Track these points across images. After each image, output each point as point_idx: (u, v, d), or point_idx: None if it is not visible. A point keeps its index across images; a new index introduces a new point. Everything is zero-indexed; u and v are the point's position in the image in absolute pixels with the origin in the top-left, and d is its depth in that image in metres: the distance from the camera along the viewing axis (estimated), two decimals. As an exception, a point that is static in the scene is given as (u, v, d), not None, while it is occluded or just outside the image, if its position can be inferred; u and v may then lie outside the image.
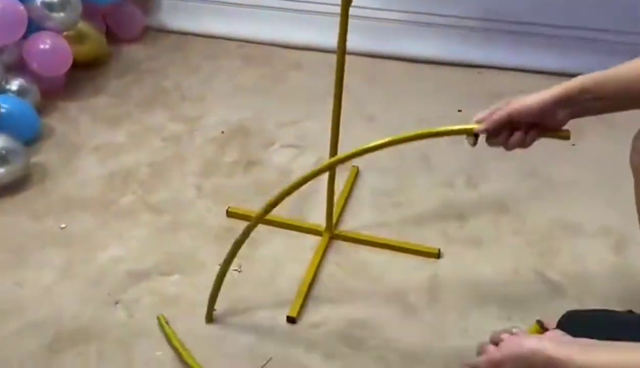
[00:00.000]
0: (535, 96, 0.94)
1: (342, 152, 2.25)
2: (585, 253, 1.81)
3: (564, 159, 2.19)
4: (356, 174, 2.14)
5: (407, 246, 1.83)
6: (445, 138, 2.37)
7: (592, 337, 0.84)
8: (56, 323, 1.56)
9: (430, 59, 2.80)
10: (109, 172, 2.10)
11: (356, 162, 2.20)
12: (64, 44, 2.38)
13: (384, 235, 1.88)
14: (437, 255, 1.81)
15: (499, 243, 1.86)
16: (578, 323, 0.95)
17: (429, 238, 1.87)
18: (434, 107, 2.51)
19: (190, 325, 1.57)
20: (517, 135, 0.91)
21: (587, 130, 2.30)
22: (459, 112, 2.50)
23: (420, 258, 1.81)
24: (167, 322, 1.55)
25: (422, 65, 2.78)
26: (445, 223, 1.95)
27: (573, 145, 2.27)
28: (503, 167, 2.15)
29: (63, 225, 1.87)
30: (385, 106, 2.53)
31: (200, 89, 2.63)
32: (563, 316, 0.97)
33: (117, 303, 1.63)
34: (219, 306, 1.62)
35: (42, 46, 2.31)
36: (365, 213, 1.98)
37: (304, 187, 2.14)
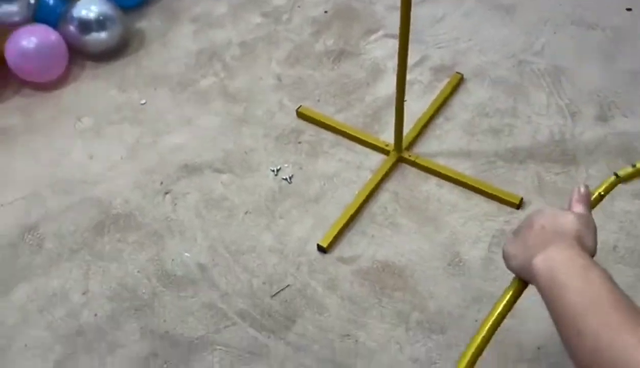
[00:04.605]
0: None
1: (452, 59, 1.84)
2: None
3: None
4: (458, 83, 1.79)
5: (484, 188, 1.53)
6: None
7: None
8: (107, 204, 1.63)
9: None
10: (199, 49, 2.03)
11: (462, 66, 1.84)
12: None
13: (465, 167, 1.60)
14: (518, 206, 1.49)
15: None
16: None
17: (520, 182, 1.55)
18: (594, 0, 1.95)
19: (223, 232, 1.54)
20: None
21: None
22: (628, 11, 1.91)
23: (495, 205, 1.51)
24: None
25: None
26: (546, 164, 1.58)
27: None
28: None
29: (143, 101, 1.89)
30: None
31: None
32: None
33: (167, 193, 1.65)
34: (254, 213, 1.55)
35: None
36: (452, 136, 1.68)
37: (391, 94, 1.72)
